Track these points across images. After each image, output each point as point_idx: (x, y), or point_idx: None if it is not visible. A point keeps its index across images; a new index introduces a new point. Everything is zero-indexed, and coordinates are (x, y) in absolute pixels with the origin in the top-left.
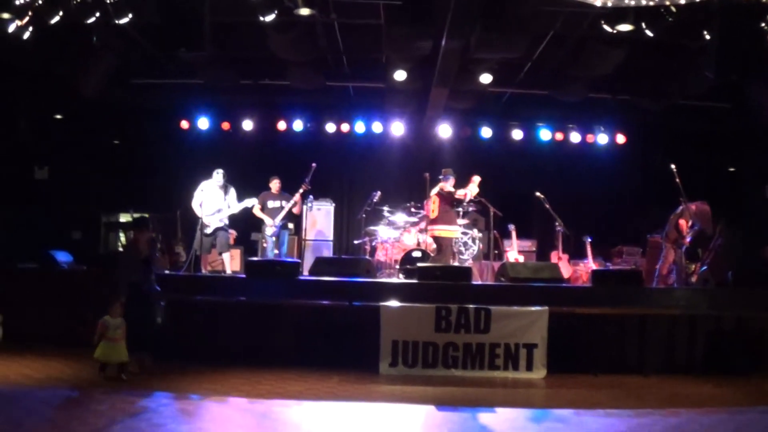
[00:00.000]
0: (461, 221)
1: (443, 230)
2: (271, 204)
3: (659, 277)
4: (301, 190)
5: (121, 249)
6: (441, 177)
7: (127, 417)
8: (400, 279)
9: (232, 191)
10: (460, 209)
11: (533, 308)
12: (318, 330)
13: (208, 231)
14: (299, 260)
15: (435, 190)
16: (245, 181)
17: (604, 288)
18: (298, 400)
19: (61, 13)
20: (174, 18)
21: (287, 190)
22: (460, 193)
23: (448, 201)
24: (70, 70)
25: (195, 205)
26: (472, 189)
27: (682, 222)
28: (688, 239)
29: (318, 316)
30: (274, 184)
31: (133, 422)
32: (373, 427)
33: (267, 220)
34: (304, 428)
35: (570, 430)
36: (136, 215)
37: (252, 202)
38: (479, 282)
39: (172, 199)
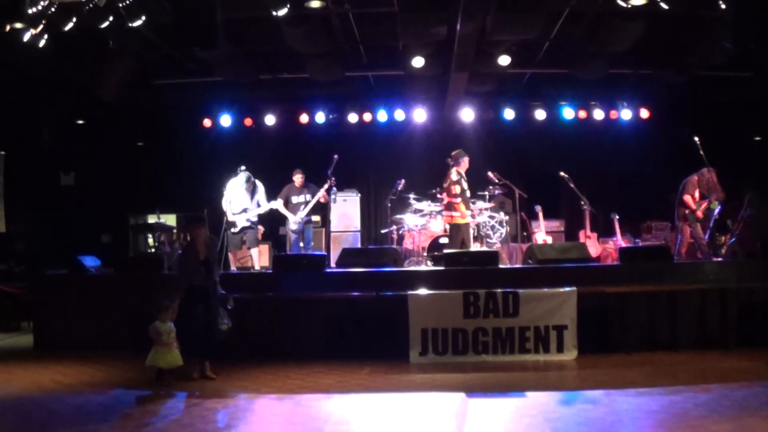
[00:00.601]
0: (485, 204)
1: (451, 217)
2: (295, 199)
3: (679, 257)
4: (326, 186)
5: (152, 250)
6: (452, 162)
7: (157, 418)
8: (429, 266)
9: (261, 189)
10: (486, 193)
11: (561, 289)
12: (347, 322)
13: (235, 230)
14: (325, 253)
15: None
16: (271, 176)
17: (633, 265)
18: (328, 394)
19: (74, 20)
20: (186, 17)
21: (313, 183)
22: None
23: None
24: (88, 76)
25: (225, 203)
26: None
27: (687, 198)
28: (717, 210)
29: (346, 308)
30: (297, 178)
31: (162, 423)
32: (402, 417)
33: (290, 216)
34: (333, 421)
35: (601, 411)
36: (163, 215)
37: (277, 205)
38: (507, 265)
39: (199, 197)
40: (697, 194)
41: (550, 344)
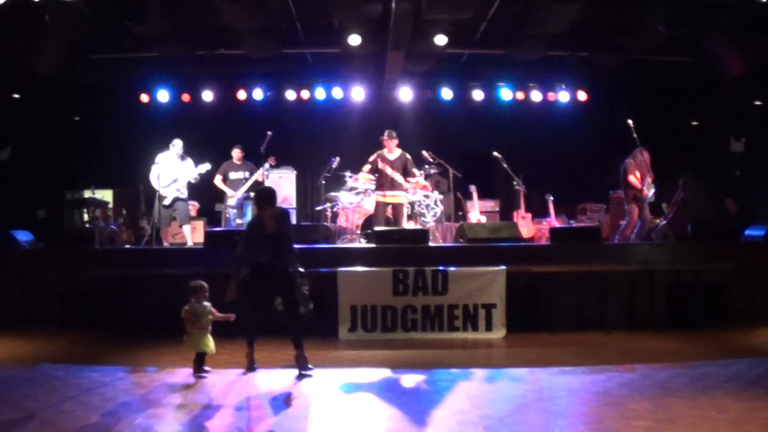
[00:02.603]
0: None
1: (376, 196)
2: (233, 175)
3: (621, 238)
4: (267, 164)
5: (86, 225)
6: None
7: (81, 392)
8: (362, 244)
9: (189, 161)
10: (421, 172)
11: (490, 268)
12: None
13: (167, 202)
14: None
15: None
16: (208, 153)
17: (563, 245)
18: (255, 369)
19: None
20: None
21: (250, 160)
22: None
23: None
24: (25, 50)
25: (153, 177)
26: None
27: (631, 178)
28: (651, 192)
29: None
30: (236, 153)
31: (85, 397)
32: (325, 391)
33: (228, 191)
34: (255, 395)
35: (523, 389)
36: (98, 190)
37: (206, 168)
38: (438, 244)
39: (135, 173)
40: (638, 174)
41: (479, 322)
